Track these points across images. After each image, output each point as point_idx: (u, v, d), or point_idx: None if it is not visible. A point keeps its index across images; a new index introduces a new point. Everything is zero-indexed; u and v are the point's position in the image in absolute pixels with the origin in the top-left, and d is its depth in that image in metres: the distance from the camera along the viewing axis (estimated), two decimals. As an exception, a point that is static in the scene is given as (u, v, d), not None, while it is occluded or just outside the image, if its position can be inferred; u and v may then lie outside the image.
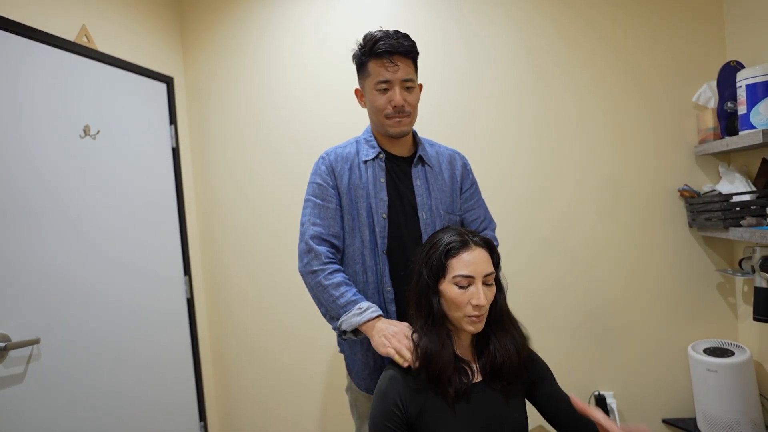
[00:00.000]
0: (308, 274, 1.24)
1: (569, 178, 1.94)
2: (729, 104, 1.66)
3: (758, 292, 1.57)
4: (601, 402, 1.88)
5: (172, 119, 2.14)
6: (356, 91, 1.35)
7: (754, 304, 1.58)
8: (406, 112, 1.25)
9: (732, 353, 1.69)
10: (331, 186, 1.28)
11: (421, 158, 1.33)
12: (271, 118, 2.16)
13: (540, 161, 1.95)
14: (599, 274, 1.93)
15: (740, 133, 1.56)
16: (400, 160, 1.33)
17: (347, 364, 1.37)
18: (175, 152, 2.14)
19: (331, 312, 1.22)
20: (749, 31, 1.70)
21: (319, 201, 1.28)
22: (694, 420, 1.82)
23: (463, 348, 1.08)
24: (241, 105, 2.19)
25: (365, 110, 1.35)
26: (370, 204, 1.27)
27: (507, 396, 1.05)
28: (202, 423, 2.14)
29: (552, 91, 1.94)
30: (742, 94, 1.53)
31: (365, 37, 1.25)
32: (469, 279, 1.00)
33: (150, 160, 2.00)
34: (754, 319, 1.57)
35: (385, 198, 1.27)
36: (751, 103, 1.51)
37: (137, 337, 1.83)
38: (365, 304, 1.19)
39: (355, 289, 1.22)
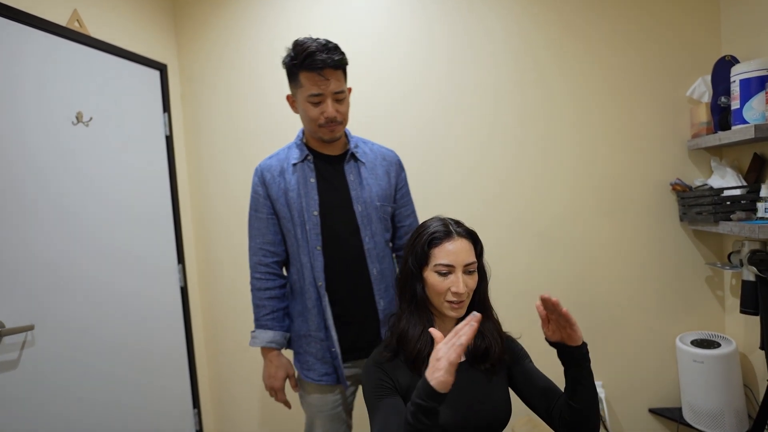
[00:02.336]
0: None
1: (563, 172, 1.95)
2: (722, 99, 1.66)
3: (746, 285, 1.59)
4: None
5: (166, 107, 2.12)
6: (288, 97, 1.38)
7: (742, 297, 1.60)
8: (339, 122, 1.31)
9: (718, 345, 1.72)
10: (263, 196, 1.39)
11: (353, 155, 1.39)
12: (266, 105, 2.15)
13: (534, 155, 1.96)
14: (591, 266, 1.95)
15: (733, 127, 1.57)
16: (333, 158, 1.39)
17: (303, 361, 1.43)
18: (169, 140, 2.12)
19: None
20: (745, 26, 1.70)
21: (253, 212, 1.42)
22: (679, 410, 1.86)
23: (446, 331, 1.10)
24: (236, 93, 2.18)
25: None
26: (302, 204, 1.33)
27: (490, 375, 1.09)
28: (196, 410, 2.16)
29: (547, 84, 1.94)
30: (735, 89, 1.54)
31: (296, 47, 1.27)
32: (450, 267, 1.04)
33: (143, 147, 1.98)
34: (741, 311, 1.60)
35: (316, 197, 1.34)
36: (745, 98, 1.51)
37: (131, 325, 1.83)
38: (258, 332, 1.40)
39: (264, 311, 1.41)
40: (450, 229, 1.08)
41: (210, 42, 2.19)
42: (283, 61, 1.32)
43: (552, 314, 0.97)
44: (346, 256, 1.36)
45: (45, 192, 1.54)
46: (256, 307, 1.42)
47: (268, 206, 1.38)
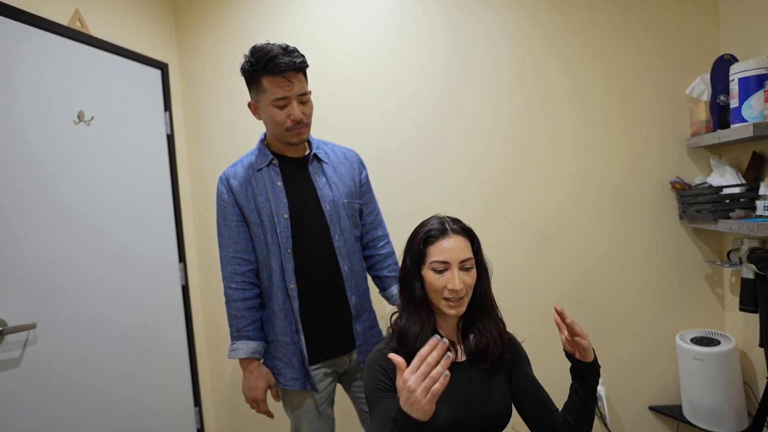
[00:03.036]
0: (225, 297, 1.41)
1: (562, 170, 1.95)
2: (722, 97, 1.67)
3: (745, 283, 1.60)
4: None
5: (167, 106, 2.13)
6: (250, 104, 1.37)
7: (741, 294, 1.61)
8: (305, 123, 1.32)
9: (718, 342, 1.72)
10: (230, 204, 1.37)
11: (316, 156, 1.41)
12: (266, 105, 2.15)
13: (533, 153, 1.96)
14: (591, 265, 1.96)
15: (732, 126, 1.57)
16: (297, 161, 1.40)
17: (271, 367, 1.42)
18: (170, 139, 2.13)
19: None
20: (744, 25, 1.70)
21: (222, 221, 1.40)
22: (679, 407, 1.86)
23: (447, 329, 1.12)
24: (237, 91, 2.18)
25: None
26: (271, 208, 1.34)
27: (490, 375, 1.09)
28: (197, 408, 2.16)
29: (546, 82, 1.94)
30: (734, 87, 1.55)
31: (255, 53, 1.27)
32: (445, 264, 1.05)
33: (145, 146, 1.99)
34: (740, 309, 1.61)
35: (285, 200, 1.34)
36: (743, 96, 1.52)
37: (132, 323, 1.84)
38: (240, 344, 1.36)
39: (245, 322, 1.37)
40: (445, 226, 1.08)
41: (211, 41, 2.20)
42: (242, 68, 1.31)
43: (564, 324, 1.00)
44: (317, 256, 1.36)
45: (46, 191, 1.54)
46: (235, 318, 1.38)
47: (237, 213, 1.37)
